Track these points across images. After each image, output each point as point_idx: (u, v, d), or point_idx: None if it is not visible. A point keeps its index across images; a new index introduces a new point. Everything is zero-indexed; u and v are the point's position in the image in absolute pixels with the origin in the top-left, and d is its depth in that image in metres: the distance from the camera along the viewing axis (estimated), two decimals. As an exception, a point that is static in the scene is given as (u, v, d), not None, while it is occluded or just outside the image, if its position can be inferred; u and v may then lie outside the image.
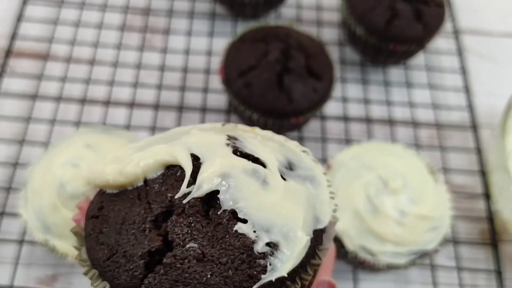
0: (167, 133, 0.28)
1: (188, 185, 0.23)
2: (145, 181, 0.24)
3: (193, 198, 0.23)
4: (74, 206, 0.43)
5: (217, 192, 0.23)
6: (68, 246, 0.44)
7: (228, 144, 0.25)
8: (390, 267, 0.45)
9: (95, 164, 0.25)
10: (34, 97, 0.57)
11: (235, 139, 0.26)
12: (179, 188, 0.23)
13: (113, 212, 0.24)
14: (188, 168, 0.23)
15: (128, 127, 0.55)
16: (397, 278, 0.50)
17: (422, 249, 0.45)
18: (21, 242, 0.48)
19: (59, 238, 0.44)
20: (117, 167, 0.24)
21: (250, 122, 0.53)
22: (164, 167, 0.24)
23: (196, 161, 0.24)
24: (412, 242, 0.45)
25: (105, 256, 0.23)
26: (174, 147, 0.24)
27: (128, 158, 0.25)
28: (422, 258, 0.46)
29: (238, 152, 0.25)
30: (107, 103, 0.57)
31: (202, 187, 0.23)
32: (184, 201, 0.23)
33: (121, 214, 0.23)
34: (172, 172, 0.24)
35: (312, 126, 0.57)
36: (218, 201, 0.23)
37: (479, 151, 0.57)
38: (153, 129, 0.56)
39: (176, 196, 0.23)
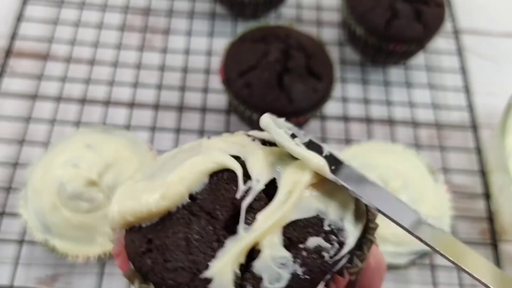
0: (166, 157, 0.27)
1: (244, 183, 0.23)
2: (190, 196, 0.23)
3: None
4: (74, 206, 0.43)
5: (273, 180, 0.23)
6: (68, 246, 0.44)
7: (254, 139, 0.26)
8: (390, 267, 0.45)
9: (120, 204, 0.24)
10: (34, 97, 0.57)
11: (253, 136, 0.26)
12: (234, 190, 0.23)
13: (168, 238, 0.22)
14: (238, 167, 0.23)
15: (128, 127, 0.55)
16: (397, 278, 0.50)
17: (422, 249, 0.45)
18: (21, 242, 0.48)
19: (59, 238, 0.44)
20: (158, 192, 0.23)
21: (250, 122, 0.53)
22: (206, 176, 0.24)
23: (237, 160, 0.24)
24: (412, 242, 0.45)
25: (188, 279, 0.21)
26: (211, 154, 0.24)
27: (160, 183, 0.23)
28: (422, 258, 0.46)
29: (267, 143, 0.25)
30: (107, 103, 0.57)
31: (260, 179, 0.23)
32: (249, 198, 0.22)
33: (180, 236, 0.22)
34: (218, 178, 0.23)
35: (312, 126, 0.57)
36: (276, 188, 0.23)
37: (479, 151, 0.57)
38: (153, 129, 0.56)
39: (238, 196, 0.23)
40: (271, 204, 0.22)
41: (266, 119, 0.25)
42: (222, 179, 0.23)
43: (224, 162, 0.24)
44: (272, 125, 0.25)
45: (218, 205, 0.23)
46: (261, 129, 0.26)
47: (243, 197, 0.23)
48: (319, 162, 0.23)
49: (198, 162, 0.24)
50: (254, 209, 0.22)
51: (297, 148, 0.24)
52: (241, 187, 0.23)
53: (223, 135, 0.28)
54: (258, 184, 0.23)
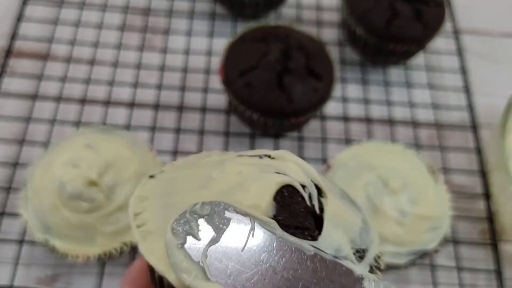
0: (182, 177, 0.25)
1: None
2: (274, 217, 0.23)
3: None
4: (74, 206, 0.43)
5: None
6: (68, 246, 0.44)
7: (260, 157, 0.26)
8: (390, 267, 0.45)
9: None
10: (34, 97, 0.57)
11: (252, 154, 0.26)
12: (301, 200, 0.23)
13: None
14: (295, 180, 0.24)
15: (128, 127, 0.55)
16: (397, 278, 0.50)
17: (422, 249, 0.45)
18: (21, 242, 0.48)
19: (59, 238, 0.44)
20: None
21: (250, 122, 0.53)
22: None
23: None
24: (412, 242, 0.45)
25: None
26: (269, 178, 0.23)
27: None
28: (422, 258, 0.46)
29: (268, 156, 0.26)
30: (107, 103, 0.57)
31: (307, 184, 0.24)
32: (316, 202, 0.23)
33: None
34: (280, 196, 0.23)
35: (312, 126, 0.57)
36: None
37: (479, 151, 0.57)
38: (153, 129, 0.56)
39: (309, 204, 0.23)
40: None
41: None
42: (284, 196, 0.23)
43: (283, 180, 0.23)
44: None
45: (299, 217, 0.23)
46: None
47: (312, 203, 0.23)
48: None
49: (265, 187, 0.23)
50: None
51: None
52: (305, 195, 0.23)
53: (230, 157, 0.27)
54: (311, 188, 0.23)
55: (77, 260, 0.44)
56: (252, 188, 0.23)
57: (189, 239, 0.21)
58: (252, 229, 0.22)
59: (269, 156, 0.26)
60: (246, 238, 0.21)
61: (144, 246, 0.22)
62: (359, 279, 0.21)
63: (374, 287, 0.21)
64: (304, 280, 0.21)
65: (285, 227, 0.22)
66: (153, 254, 0.22)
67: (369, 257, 0.23)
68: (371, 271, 0.23)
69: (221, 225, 0.21)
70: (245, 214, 0.22)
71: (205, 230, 0.21)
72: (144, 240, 0.23)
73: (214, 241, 0.21)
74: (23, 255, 0.48)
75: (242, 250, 0.21)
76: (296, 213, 0.23)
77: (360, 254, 0.23)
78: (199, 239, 0.21)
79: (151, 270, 0.24)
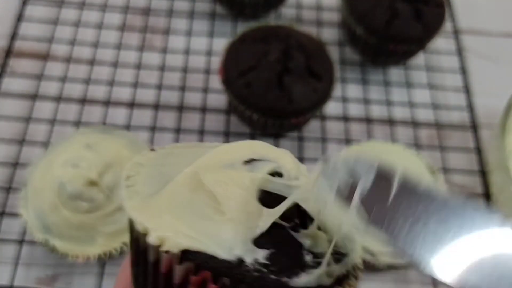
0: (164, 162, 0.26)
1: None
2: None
3: None
4: (74, 206, 0.43)
5: None
6: (68, 246, 0.44)
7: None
8: (390, 267, 0.45)
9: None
10: (34, 97, 0.57)
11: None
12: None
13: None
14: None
15: (128, 127, 0.55)
16: (397, 278, 0.50)
17: (422, 249, 0.45)
18: (21, 242, 0.48)
19: (59, 238, 0.44)
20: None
21: (250, 122, 0.53)
22: None
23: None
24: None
25: None
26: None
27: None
28: (422, 258, 0.46)
29: None
30: (107, 103, 0.57)
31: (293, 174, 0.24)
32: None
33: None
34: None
35: (312, 126, 0.57)
36: None
37: (479, 151, 0.57)
38: (153, 129, 0.56)
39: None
40: None
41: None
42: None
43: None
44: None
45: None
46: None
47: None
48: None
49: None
50: None
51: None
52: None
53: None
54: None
55: (77, 260, 0.44)
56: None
57: (340, 187, 0.21)
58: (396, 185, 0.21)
59: None
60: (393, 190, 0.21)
61: (129, 204, 0.23)
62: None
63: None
64: None
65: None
66: (136, 211, 0.22)
67: (347, 263, 0.22)
68: (347, 277, 0.22)
69: (368, 175, 0.22)
70: (389, 170, 0.22)
71: (354, 180, 0.21)
72: (130, 199, 0.23)
73: (364, 190, 0.21)
74: (23, 255, 0.48)
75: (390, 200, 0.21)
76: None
77: (339, 257, 0.22)
78: (350, 188, 0.21)
79: (134, 252, 0.24)
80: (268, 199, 0.23)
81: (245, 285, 0.20)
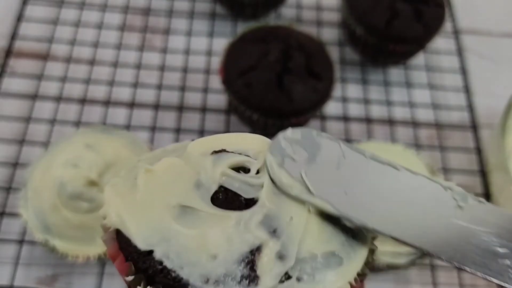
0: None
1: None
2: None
3: None
4: (74, 206, 0.43)
5: None
6: (68, 246, 0.44)
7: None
8: (390, 267, 0.45)
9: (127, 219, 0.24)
10: (34, 97, 0.57)
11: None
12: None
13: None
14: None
15: (128, 127, 0.55)
16: (397, 278, 0.50)
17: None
18: (21, 242, 0.48)
19: (59, 238, 0.44)
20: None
21: (250, 122, 0.53)
22: None
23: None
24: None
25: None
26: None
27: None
28: (422, 258, 0.46)
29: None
30: (107, 103, 0.57)
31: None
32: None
33: None
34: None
35: (312, 126, 0.57)
36: None
37: (479, 151, 0.57)
38: (153, 129, 0.56)
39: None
40: None
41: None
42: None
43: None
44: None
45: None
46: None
47: None
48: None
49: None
50: None
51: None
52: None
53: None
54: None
55: (77, 260, 0.44)
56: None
57: (287, 160, 0.23)
58: (343, 151, 0.24)
59: None
60: (338, 158, 0.24)
61: (108, 188, 0.26)
62: None
63: None
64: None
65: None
66: (111, 185, 0.25)
67: (343, 272, 0.23)
68: None
69: (313, 148, 0.24)
70: (333, 139, 0.24)
71: (300, 153, 0.23)
72: (113, 185, 0.26)
73: (310, 161, 0.23)
74: (23, 255, 0.48)
75: (337, 169, 0.23)
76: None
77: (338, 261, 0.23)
78: (295, 160, 0.23)
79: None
80: (226, 196, 0.24)
81: (144, 274, 0.22)
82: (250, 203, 0.23)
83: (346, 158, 0.24)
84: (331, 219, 0.23)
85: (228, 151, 0.25)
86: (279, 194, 0.23)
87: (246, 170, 0.25)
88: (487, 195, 0.54)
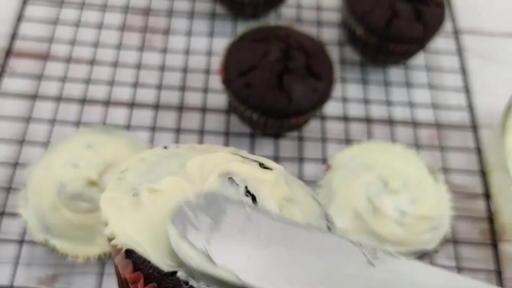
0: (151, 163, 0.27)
1: None
2: None
3: None
4: (74, 206, 0.43)
5: None
6: (68, 246, 0.44)
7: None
8: (390, 267, 0.45)
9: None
10: (34, 97, 0.57)
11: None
12: None
13: None
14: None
15: (128, 127, 0.55)
16: (397, 278, 0.50)
17: (422, 249, 0.45)
18: (21, 242, 0.48)
19: (59, 238, 0.44)
20: None
21: (250, 122, 0.53)
22: None
23: None
24: (412, 242, 0.45)
25: None
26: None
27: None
28: (422, 258, 0.46)
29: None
30: (107, 103, 0.57)
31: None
32: None
33: None
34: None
35: (312, 126, 0.57)
36: None
37: (479, 151, 0.57)
38: (153, 129, 0.56)
39: None
40: None
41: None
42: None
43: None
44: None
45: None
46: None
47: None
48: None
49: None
50: None
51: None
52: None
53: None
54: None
55: (77, 260, 0.44)
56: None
57: (190, 229, 0.22)
58: (249, 214, 0.23)
59: (261, 164, 0.27)
60: (244, 222, 0.23)
61: (105, 194, 0.25)
62: None
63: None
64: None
65: None
66: (107, 203, 0.24)
67: None
68: None
69: (218, 214, 0.23)
70: (237, 202, 0.23)
71: (204, 220, 0.22)
72: (111, 190, 0.25)
73: (214, 228, 0.22)
74: (23, 255, 0.48)
75: (242, 234, 0.22)
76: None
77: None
78: (199, 229, 0.22)
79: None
80: None
81: None
82: None
83: (252, 221, 0.23)
84: None
85: (233, 178, 0.25)
86: None
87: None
88: (487, 195, 0.54)
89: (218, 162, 0.25)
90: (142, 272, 0.23)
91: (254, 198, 0.24)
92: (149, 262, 0.23)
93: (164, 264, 0.22)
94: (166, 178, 0.25)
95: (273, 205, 0.24)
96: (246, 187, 0.24)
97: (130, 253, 0.23)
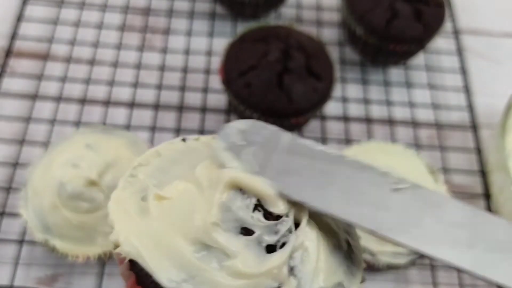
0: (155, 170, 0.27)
1: None
2: None
3: None
4: (74, 206, 0.43)
5: None
6: (68, 246, 0.44)
7: None
8: (390, 267, 0.45)
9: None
10: (34, 97, 0.57)
11: None
12: None
13: None
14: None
15: (128, 127, 0.55)
16: (397, 278, 0.50)
17: (422, 249, 0.45)
18: (21, 242, 0.48)
19: (59, 238, 0.44)
20: None
21: (250, 122, 0.53)
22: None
23: None
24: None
25: None
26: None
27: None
28: (422, 258, 0.46)
29: None
30: (107, 103, 0.57)
31: None
32: None
33: None
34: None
35: (312, 126, 0.57)
36: None
37: (479, 151, 0.57)
38: (153, 129, 0.56)
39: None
40: None
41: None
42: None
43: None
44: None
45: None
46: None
47: None
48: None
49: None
50: None
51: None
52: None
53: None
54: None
55: (77, 260, 0.44)
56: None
57: (233, 146, 0.25)
58: (291, 139, 0.26)
59: None
60: (288, 145, 0.26)
61: (115, 194, 0.25)
62: None
63: None
64: None
65: None
66: (116, 204, 0.25)
67: None
68: None
69: (261, 137, 0.26)
70: (279, 129, 0.26)
71: (247, 140, 0.26)
72: (121, 190, 0.25)
73: (260, 147, 0.25)
74: (23, 255, 0.48)
75: (286, 154, 0.25)
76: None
77: None
78: (243, 146, 0.25)
79: None
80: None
81: None
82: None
83: (294, 147, 0.26)
84: (335, 249, 0.24)
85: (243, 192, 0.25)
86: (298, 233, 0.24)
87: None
88: (487, 195, 0.54)
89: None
90: (144, 285, 0.23)
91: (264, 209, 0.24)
92: (151, 276, 0.22)
93: (166, 279, 0.22)
94: (175, 184, 0.25)
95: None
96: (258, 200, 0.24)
97: (134, 264, 0.23)
